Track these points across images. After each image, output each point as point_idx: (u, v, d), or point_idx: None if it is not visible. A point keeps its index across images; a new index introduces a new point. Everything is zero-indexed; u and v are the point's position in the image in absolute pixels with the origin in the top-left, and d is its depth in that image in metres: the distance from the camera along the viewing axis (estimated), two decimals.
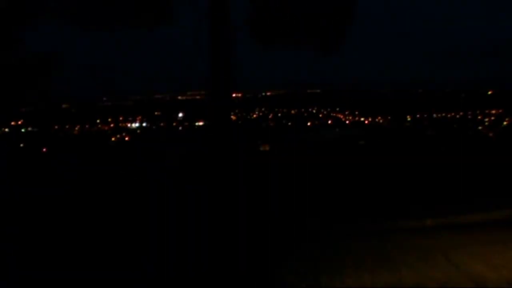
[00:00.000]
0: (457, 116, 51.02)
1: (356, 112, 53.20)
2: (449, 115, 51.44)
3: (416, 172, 13.34)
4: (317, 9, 5.91)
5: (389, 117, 52.22)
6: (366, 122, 52.59)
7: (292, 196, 9.87)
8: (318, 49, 6.09)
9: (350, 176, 13.17)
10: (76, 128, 48.18)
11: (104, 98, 52.46)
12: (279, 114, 53.23)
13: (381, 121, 52.24)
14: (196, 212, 6.95)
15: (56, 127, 47.30)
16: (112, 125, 49.54)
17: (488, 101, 51.46)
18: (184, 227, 7.16)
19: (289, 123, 51.71)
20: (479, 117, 49.58)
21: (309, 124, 52.07)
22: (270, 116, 53.13)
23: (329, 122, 52.76)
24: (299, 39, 6.00)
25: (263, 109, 53.39)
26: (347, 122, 52.58)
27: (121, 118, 49.97)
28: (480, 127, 48.01)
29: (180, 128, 48.32)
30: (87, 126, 48.67)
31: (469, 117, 50.38)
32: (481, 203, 9.70)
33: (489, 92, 53.03)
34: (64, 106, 49.81)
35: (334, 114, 53.60)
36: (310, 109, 53.80)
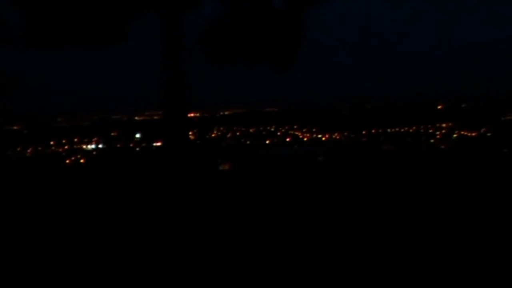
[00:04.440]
0: (410, 130, 52.59)
1: (314, 130, 54.06)
2: (402, 130, 52.95)
3: None
4: (267, 30, 6.07)
5: (346, 133, 53.27)
6: (324, 138, 53.46)
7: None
8: (271, 69, 6.25)
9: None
10: (29, 150, 46.65)
11: (59, 119, 51.23)
12: (238, 133, 53.40)
13: (338, 137, 53.21)
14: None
15: (7, 150, 45.64)
16: (66, 146, 48.28)
17: (439, 115, 53.41)
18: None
19: (248, 142, 51.92)
20: (430, 131, 51.32)
21: (268, 142, 52.46)
22: (229, 135, 53.19)
23: (288, 139, 53.34)
24: (251, 59, 6.14)
25: (221, 128, 53.43)
26: (305, 139, 53.30)
27: (76, 140, 48.79)
28: (432, 140, 49.63)
29: (138, 149, 47.64)
30: (40, 148, 47.21)
31: (422, 130, 52.03)
32: None
33: (439, 107, 55.09)
34: (15, 127, 48.27)
35: (292, 132, 54.26)
36: (268, 127, 54.28)
